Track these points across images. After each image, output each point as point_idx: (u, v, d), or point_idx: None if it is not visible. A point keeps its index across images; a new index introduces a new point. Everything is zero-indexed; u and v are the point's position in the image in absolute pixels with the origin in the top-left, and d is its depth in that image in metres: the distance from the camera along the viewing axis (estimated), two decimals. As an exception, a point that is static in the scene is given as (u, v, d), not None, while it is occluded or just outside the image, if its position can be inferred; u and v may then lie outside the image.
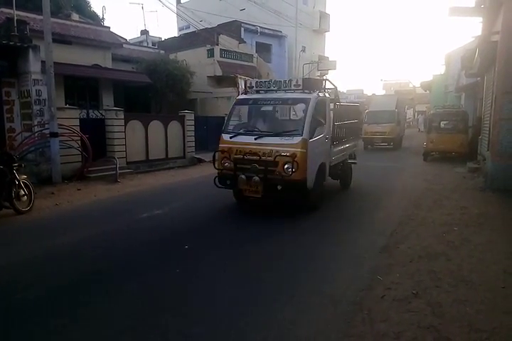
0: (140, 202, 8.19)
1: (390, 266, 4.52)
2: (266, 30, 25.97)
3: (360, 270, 4.40)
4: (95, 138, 11.20)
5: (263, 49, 25.83)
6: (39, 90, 10.15)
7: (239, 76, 18.82)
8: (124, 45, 19.02)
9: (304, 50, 28.35)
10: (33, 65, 10.12)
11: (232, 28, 24.04)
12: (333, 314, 3.42)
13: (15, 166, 6.91)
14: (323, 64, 28.34)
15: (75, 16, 19.51)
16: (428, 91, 35.16)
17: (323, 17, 29.13)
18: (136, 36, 31.28)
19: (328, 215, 6.94)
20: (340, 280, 4.12)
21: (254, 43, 25.32)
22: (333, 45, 41.21)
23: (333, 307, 3.54)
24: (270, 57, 26.55)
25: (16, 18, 10.68)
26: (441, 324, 3.23)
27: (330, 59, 30.02)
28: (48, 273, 4.36)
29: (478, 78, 15.58)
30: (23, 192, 7.07)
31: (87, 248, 5.23)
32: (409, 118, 42.96)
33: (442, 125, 15.49)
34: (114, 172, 10.88)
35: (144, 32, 30.72)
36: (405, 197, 8.36)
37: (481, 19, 10.18)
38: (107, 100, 16.42)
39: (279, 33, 26.84)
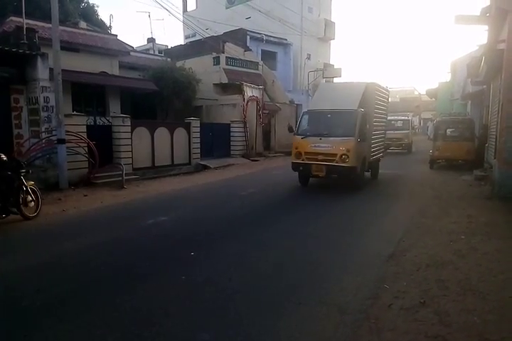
0: (146, 208, 8.22)
1: (396, 274, 4.48)
2: (271, 38, 26.17)
3: (367, 278, 4.37)
4: (102, 144, 11.28)
5: (268, 57, 25.99)
6: (47, 97, 10.29)
7: (244, 83, 18.95)
8: (130, 53, 19.24)
9: (309, 58, 28.49)
10: (42, 73, 10.27)
11: (238, 36, 24.25)
12: (340, 323, 3.39)
13: (22, 172, 6.96)
14: (328, 71, 28.43)
15: (83, 24, 19.86)
16: (434, 99, 35.18)
17: (328, 25, 29.30)
18: (142, 44, 31.62)
19: (333, 223, 6.91)
20: (346, 289, 4.08)
21: (259, 51, 25.51)
22: (338, 53, 41.43)
23: (340, 315, 3.51)
24: (275, 64, 26.70)
25: (25, 26, 10.87)
26: (450, 333, 3.19)
27: (335, 66, 30.13)
28: (54, 280, 4.36)
29: (485, 86, 15.59)
30: (30, 198, 7.11)
31: (93, 254, 5.24)
32: (416, 125, 42.86)
33: (448, 133, 15.45)
34: (120, 178, 10.95)
35: (151, 40, 31.03)
36: (412, 206, 8.33)
37: (486, 27, 10.20)
38: (114, 107, 16.57)
39: (285, 41, 27.02)
